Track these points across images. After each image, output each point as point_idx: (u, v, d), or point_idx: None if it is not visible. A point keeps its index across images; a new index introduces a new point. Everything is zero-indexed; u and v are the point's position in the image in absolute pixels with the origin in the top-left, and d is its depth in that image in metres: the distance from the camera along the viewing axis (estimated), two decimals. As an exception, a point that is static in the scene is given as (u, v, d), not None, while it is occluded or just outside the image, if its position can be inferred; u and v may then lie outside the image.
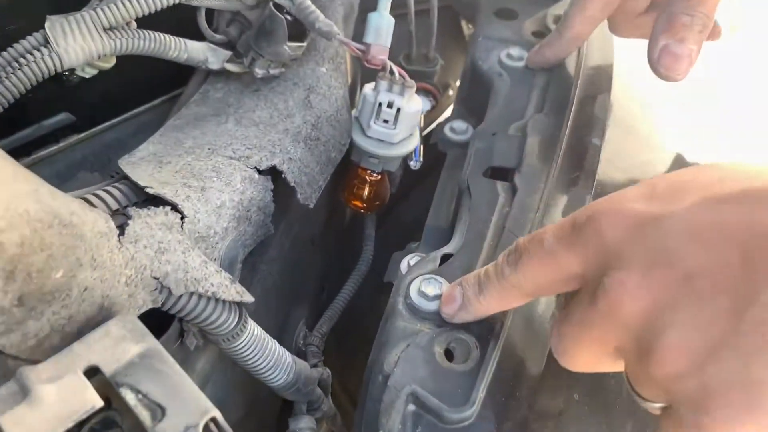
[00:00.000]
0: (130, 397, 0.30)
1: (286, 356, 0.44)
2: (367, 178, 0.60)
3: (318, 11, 0.51)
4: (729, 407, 0.28)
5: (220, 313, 0.38)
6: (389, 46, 0.52)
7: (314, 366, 0.52)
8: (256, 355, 0.42)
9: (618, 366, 0.35)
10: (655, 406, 0.33)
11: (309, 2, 0.50)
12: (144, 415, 0.29)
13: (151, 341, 0.32)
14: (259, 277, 0.52)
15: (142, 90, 0.59)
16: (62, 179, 0.54)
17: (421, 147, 0.63)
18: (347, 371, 0.78)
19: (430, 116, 0.83)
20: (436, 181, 0.68)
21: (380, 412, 0.41)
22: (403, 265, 0.54)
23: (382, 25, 0.51)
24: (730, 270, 0.28)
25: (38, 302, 0.30)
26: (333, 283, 0.71)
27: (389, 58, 0.53)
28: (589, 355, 0.36)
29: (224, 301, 0.39)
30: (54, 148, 0.55)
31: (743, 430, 0.28)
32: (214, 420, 0.30)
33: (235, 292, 0.39)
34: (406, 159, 0.62)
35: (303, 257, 0.60)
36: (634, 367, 0.33)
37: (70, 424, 0.28)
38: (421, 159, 0.65)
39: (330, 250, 0.72)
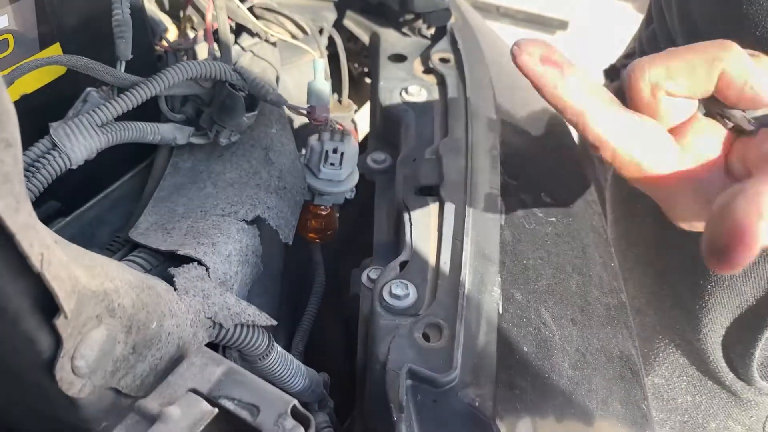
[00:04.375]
0: (228, 404, 0.40)
1: (301, 365, 0.55)
2: (319, 212, 0.71)
3: (267, 85, 0.62)
4: None
5: (257, 338, 0.49)
6: (328, 104, 0.64)
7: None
8: (282, 367, 0.52)
9: None
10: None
11: (259, 79, 0.62)
12: (244, 414, 0.40)
13: (227, 362, 0.42)
14: (253, 310, 0.62)
15: (112, 169, 0.67)
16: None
17: (355, 179, 0.75)
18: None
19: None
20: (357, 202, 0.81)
21: (387, 391, 0.53)
22: (364, 278, 0.66)
23: (320, 88, 0.63)
24: None
25: (144, 348, 0.39)
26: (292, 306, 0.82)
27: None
28: None
29: (257, 327, 0.49)
30: (47, 233, 0.62)
31: None
32: (294, 406, 0.41)
33: (266, 318, 0.49)
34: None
35: (276, 289, 0.71)
36: None
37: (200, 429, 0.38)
38: (355, 190, 0.77)
39: (287, 280, 0.82)
